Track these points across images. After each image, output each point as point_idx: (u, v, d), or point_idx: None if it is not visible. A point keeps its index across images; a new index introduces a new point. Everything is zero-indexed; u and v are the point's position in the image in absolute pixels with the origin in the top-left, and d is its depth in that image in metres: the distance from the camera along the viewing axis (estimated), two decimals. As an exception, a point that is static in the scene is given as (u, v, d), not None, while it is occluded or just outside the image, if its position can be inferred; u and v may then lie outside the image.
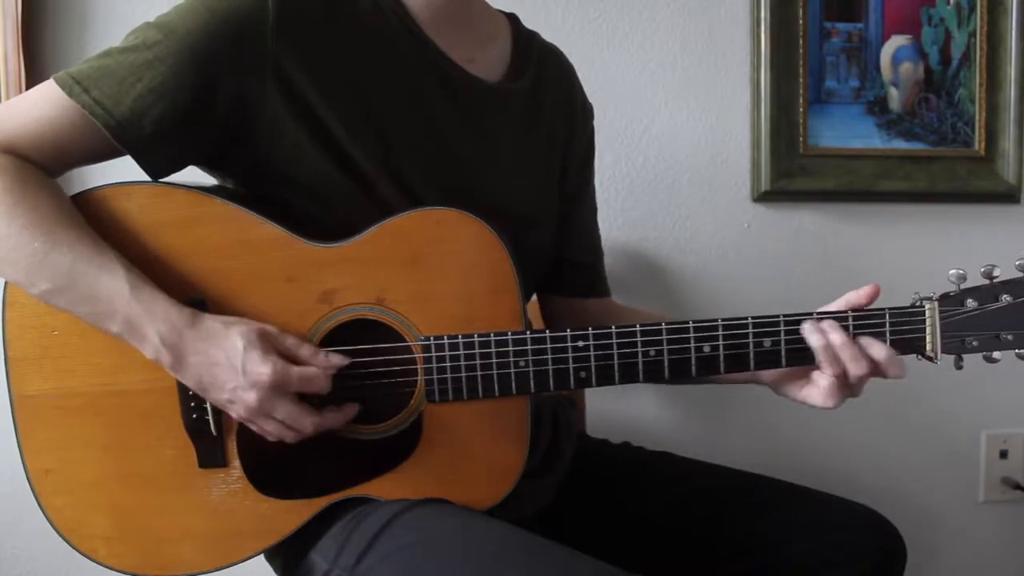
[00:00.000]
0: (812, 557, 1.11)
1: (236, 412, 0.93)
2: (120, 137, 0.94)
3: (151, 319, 0.91)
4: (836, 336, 0.97)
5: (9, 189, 0.92)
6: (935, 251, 1.73)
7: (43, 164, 0.97)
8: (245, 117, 0.97)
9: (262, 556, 1.06)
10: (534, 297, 1.27)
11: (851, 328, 0.98)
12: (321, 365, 0.94)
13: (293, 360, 0.94)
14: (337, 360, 0.95)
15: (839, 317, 0.98)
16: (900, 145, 1.72)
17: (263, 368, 0.90)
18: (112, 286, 0.91)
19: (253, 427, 0.95)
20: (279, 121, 0.97)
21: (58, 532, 1.01)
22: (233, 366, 0.91)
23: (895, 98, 1.72)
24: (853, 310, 0.99)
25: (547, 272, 1.25)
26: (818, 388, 1.00)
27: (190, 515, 1.00)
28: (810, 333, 0.97)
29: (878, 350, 0.97)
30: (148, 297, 0.91)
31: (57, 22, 1.52)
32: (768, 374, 1.04)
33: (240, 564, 1.01)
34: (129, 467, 0.99)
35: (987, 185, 1.74)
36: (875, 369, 0.98)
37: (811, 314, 0.99)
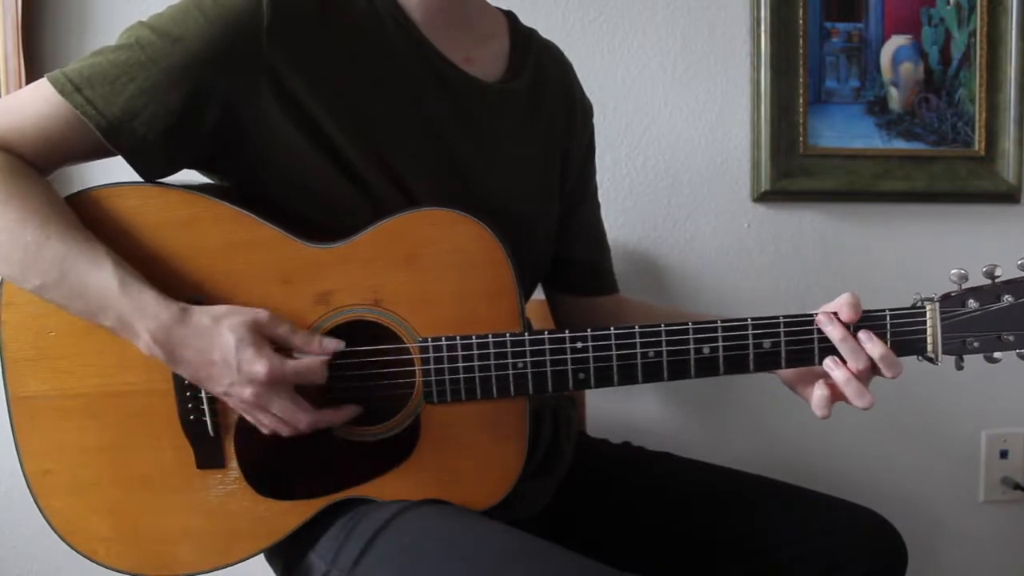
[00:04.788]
0: (813, 559, 1.11)
1: (232, 404, 0.94)
2: (111, 138, 0.94)
3: (141, 316, 0.91)
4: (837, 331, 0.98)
5: (1, 183, 0.92)
6: (935, 251, 1.73)
7: (35, 161, 0.97)
8: (238, 120, 0.97)
9: (262, 556, 1.06)
10: (537, 296, 1.27)
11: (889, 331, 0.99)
12: (316, 352, 0.94)
13: (287, 348, 0.93)
14: (332, 345, 0.95)
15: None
16: (900, 145, 1.72)
17: (257, 366, 0.90)
18: (102, 282, 0.91)
19: (249, 418, 0.96)
20: (273, 125, 0.97)
21: (57, 533, 1.01)
22: (228, 364, 0.91)
23: (895, 98, 1.72)
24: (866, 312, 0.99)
25: (551, 271, 1.25)
26: (813, 395, 1.00)
27: (189, 516, 1.00)
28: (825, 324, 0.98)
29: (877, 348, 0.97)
30: (136, 293, 0.91)
31: (57, 22, 1.52)
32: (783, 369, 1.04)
33: (240, 564, 1.02)
34: (127, 468, 0.99)
35: (987, 185, 1.74)
36: (873, 366, 0.98)
37: (811, 315, 0.99)
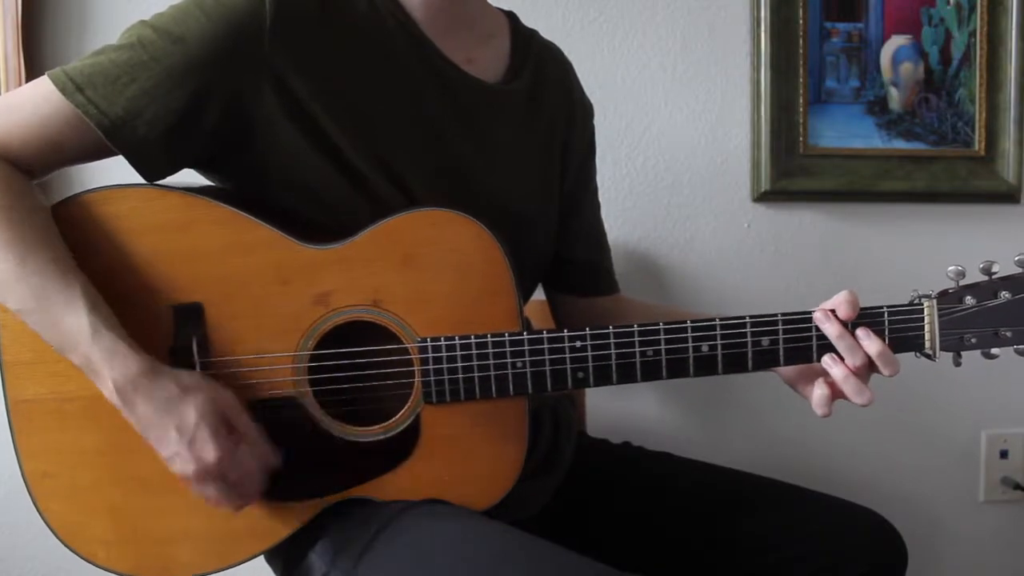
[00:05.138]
0: (813, 559, 1.11)
1: (171, 468, 0.93)
2: (113, 138, 0.94)
3: (108, 365, 0.90)
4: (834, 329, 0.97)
5: None
6: (935, 251, 1.73)
7: (34, 161, 0.96)
8: (240, 121, 0.97)
9: (262, 557, 1.06)
10: (537, 296, 1.27)
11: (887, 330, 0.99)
12: (256, 455, 0.94)
13: (238, 438, 0.93)
14: (274, 461, 0.95)
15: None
16: (900, 145, 1.72)
17: (209, 451, 0.90)
18: (74, 325, 0.90)
19: None
20: (275, 125, 0.97)
21: (57, 536, 1.00)
22: (182, 436, 0.90)
23: (895, 98, 1.72)
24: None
25: (551, 271, 1.25)
26: (813, 394, 1.00)
27: (188, 517, 1.00)
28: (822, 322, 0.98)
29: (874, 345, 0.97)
30: (108, 343, 0.90)
31: (57, 22, 1.52)
32: (783, 367, 1.04)
33: (240, 565, 1.01)
34: (126, 470, 0.99)
35: (987, 185, 1.74)
36: (871, 363, 0.98)
37: (810, 312, 0.99)
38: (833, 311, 0.97)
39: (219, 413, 0.92)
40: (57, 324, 0.91)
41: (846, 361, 0.97)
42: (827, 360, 0.98)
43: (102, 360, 0.90)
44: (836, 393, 0.99)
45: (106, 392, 0.92)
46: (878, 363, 0.97)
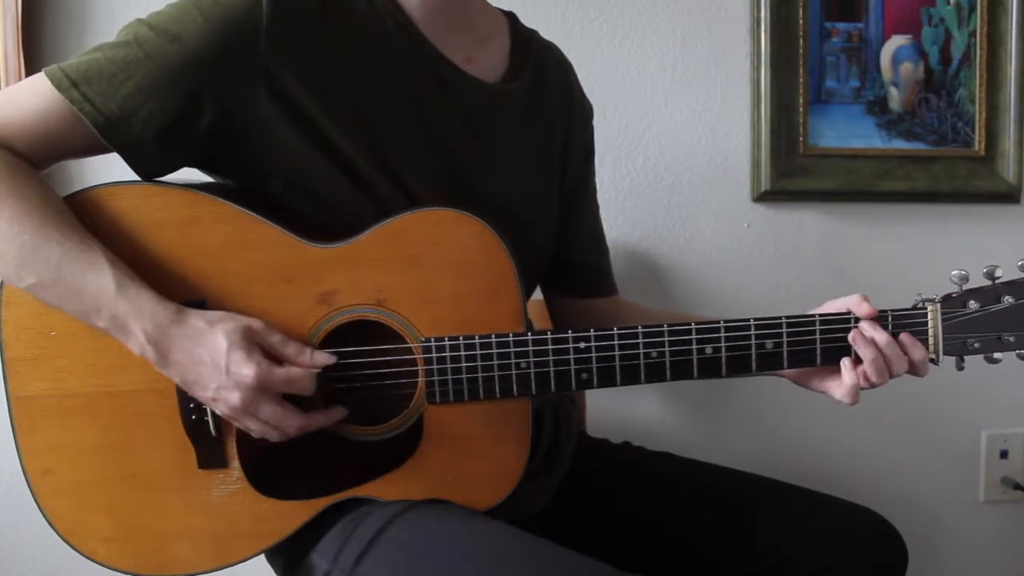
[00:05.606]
0: (812, 559, 1.11)
1: (220, 410, 0.93)
2: (108, 135, 0.94)
3: (137, 316, 0.90)
4: (881, 337, 0.99)
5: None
6: (935, 251, 1.73)
7: (31, 156, 0.96)
8: (236, 121, 0.96)
9: (263, 556, 1.06)
10: (536, 296, 1.27)
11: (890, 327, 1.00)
12: (306, 364, 0.94)
13: (278, 358, 0.93)
14: (323, 359, 0.95)
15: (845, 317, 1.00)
16: (900, 145, 1.72)
17: (246, 369, 0.90)
18: (98, 283, 0.91)
19: (237, 424, 0.95)
20: (272, 125, 0.97)
21: (58, 533, 1.01)
22: (217, 366, 0.90)
23: (895, 98, 1.72)
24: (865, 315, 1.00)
25: (549, 272, 1.25)
26: (842, 386, 1.01)
27: (190, 516, 1.00)
28: (861, 345, 0.99)
29: (918, 352, 0.99)
30: (134, 294, 0.91)
31: (57, 21, 1.52)
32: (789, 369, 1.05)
33: (240, 564, 1.01)
34: (128, 468, 0.99)
35: (987, 185, 1.74)
36: (912, 368, 1.00)
37: (813, 316, 0.99)
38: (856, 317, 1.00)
39: (249, 336, 0.92)
40: (79, 287, 0.91)
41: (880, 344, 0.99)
42: (856, 338, 0.99)
43: (130, 313, 0.90)
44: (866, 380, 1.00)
45: (137, 348, 0.92)
46: (920, 369, 1.00)
